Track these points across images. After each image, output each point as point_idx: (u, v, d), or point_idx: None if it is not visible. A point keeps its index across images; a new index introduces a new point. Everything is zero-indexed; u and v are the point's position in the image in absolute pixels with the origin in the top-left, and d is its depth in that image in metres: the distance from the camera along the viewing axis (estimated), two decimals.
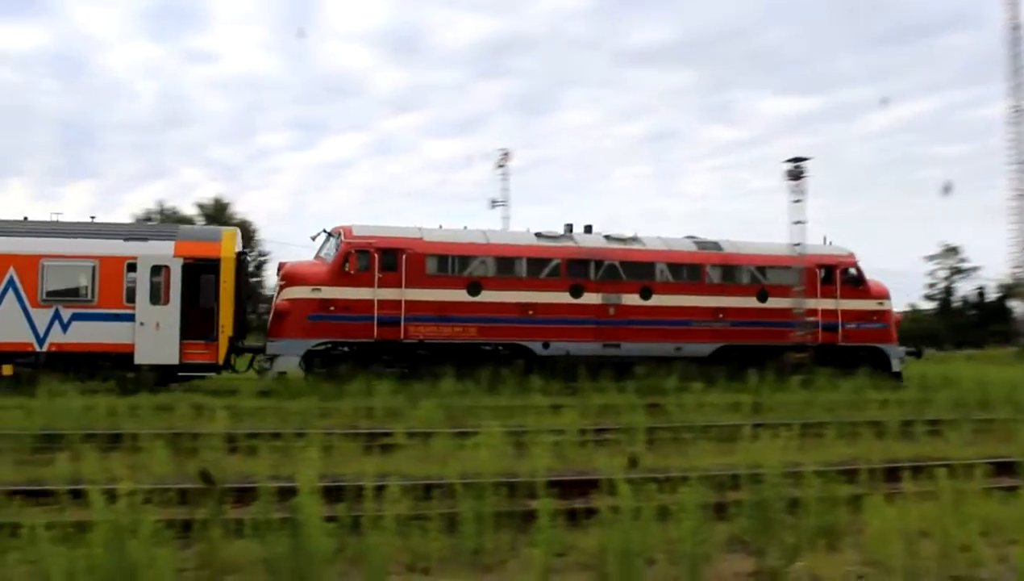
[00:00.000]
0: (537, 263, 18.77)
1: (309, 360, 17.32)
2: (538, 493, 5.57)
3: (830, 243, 21.74)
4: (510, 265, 18.68)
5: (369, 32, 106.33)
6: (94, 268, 16.48)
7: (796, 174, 20.64)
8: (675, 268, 19.60)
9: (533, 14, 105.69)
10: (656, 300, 19.21)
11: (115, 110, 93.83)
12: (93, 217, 18.20)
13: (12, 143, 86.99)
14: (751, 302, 19.81)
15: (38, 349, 16.16)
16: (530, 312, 18.46)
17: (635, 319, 18.99)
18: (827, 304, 20.16)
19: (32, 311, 16.15)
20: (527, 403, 12.89)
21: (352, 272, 17.58)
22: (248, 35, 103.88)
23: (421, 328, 17.80)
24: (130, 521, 4.36)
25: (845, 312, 20.26)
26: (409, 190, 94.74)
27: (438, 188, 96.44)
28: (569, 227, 20.26)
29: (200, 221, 42.18)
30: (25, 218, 17.77)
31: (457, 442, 8.66)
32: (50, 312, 16.22)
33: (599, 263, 19.08)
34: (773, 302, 19.91)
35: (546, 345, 18.46)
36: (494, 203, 39.68)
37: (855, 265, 20.80)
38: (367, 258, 17.72)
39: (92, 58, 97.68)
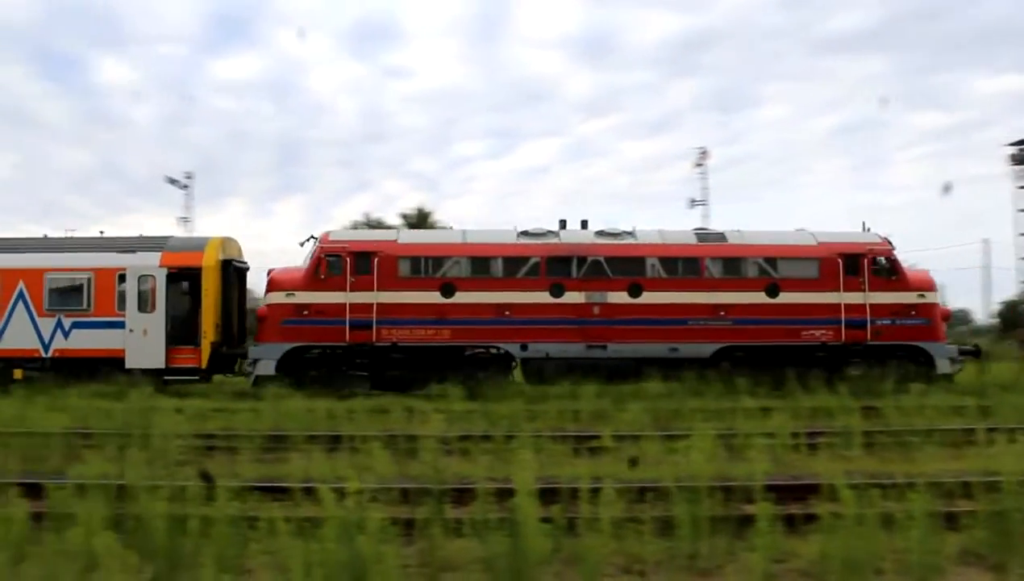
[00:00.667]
0: (514, 262, 18.04)
1: (289, 364, 17.86)
2: (755, 497, 5.56)
3: (868, 230, 19.28)
4: (486, 265, 18.09)
5: (560, 37, 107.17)
6: (89, 279, 17.91)
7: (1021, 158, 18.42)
8: (668, 262, 18.09)
9: (724, 8, 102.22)
10: (647, 298, 17.85)
11: (321, 128, 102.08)
12: (102, 232, 19.77)
13: (233, 165, 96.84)
14: (759, 297, 17.88)
15: (44, 355, 17.85)
16: (507, 313, 17.81)
17: (622, 318, 17.78)
18: (853, 298, 17.85)
19: (39, 320, 17.87)
20: (735, 405, 12.66)
21: (324, 277, 17.85)
22: (442, 49, 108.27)
23: (394, 331, 17.73)
24: (359, 518, 4.70)
25: (876, 306, 17.78)
26: (607, 192, 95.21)
27: (635, 189, 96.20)
28: (562, 223, 19.34)
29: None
30: (45, 237, 19.73)
31: (667, 445, 8.66)
32: (53, 321, 17.85)
33: (582, 260, 18.03)
34: (785, 297, 17.89)
35: (524, 347, 17.75)
36: (693, 202, 40.29)
37: (888, 254, 18.18)
38: (340, 262, 17.90)
39: (299, 81, 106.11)
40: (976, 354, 18.66)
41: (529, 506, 4.69)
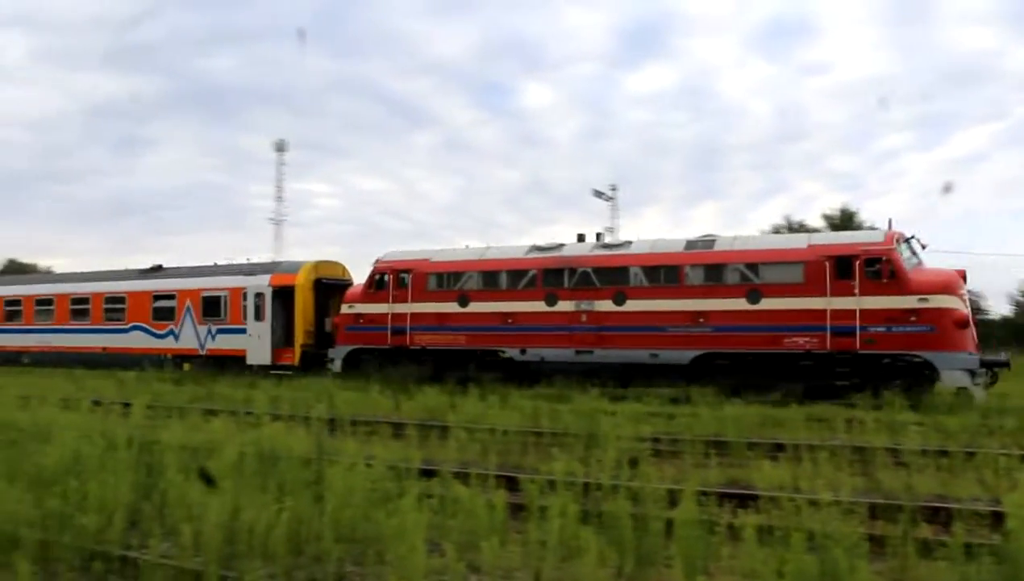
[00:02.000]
0: (516, 275, 20.04)
1: (353, 362, 22.02)
2: None
3: (890, 226, 17.53)
4: (494, 278, 20.37)
5: (994, 10, 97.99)
6: (226, 297, 24.00)
7: None
8: (650, 271, 18.57)
9: None
10: (629, 305, 18.60)
11: (735, 132, 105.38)
12: (230, 259, 25.94)
13: (650, 175, 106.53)
14: (739, 304, 17.52)
15: (201, 353, 24.38)
16: (509, 321, 19.92)
17: (607, 325, 18.77)
18: (842, 303, 16.60)
19: (198, 327, 24.41)
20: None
21: (374, 291, 21.68)
22: (860, 38, 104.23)
23: (423, 336, 20.92)
24: (829, 530, 4.81)
25: (868, 312, 16.33)
26: None
27: None
28: (580, 237, 20.75)
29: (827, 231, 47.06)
30: (199, 266, 26.59)
31: None
32: (206, 328, 24.28)
33: (572, 271, 19.36)
34: (767, 303, 17.29)
35: (523, 351, 19.70)
36: None
37: (884, 254, 16.48)
38: (385, 279, 21.60)
39: (711, 86, 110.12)
40: (1002, 366, 16.06)
41: None
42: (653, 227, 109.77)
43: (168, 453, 7.24)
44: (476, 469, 7.81)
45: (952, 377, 15.82)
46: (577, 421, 11.46)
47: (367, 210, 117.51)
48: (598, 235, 20.82)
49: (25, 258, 68.97)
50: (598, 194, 54.76)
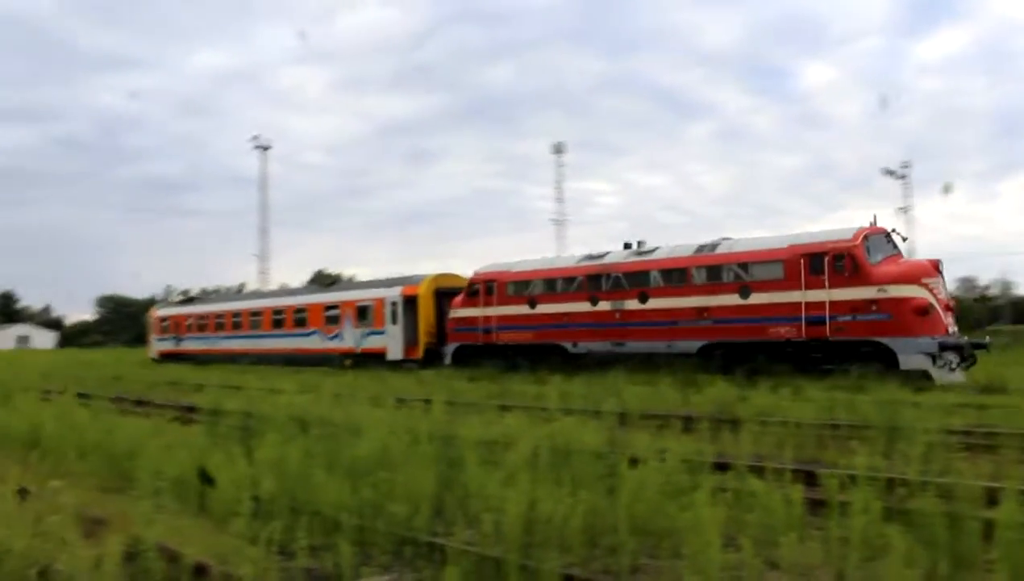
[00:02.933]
0: (568, 281, 23.97)
1: (459, 356, 27.14)
2: None
3: (874, 222, 19.11)
4: (553, 284, 24.43)
5: None
6: (371, 306, 30.27)
7: None
8: (666, 274, 21.66)
9: None
10: (651, 304, 21.80)
11: None
12: (396, 275, 32.05)
13: (945, 149, 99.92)
14: (733, 299, 20.09)
15: (357, 351, 30.91)
16: (564, 319, 23.90)
17: (635, 321, 22.11)
18: (814, 295, 18.62)
19: (354, 331, 30.97)
20: None
21: (469, 298, 26.66)
22: None
23: (504, 334, 25.54)
24: None
25: (835, 303, 18.28)
26: None
27: None
28: (627, 245, 24.14)
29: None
30: (353, 279, 32.97)
31: None
32: (359, 331, 30.76)
33: (608, 276, 22.90)
34: (755, 298, 19.67)
35: (575, 345, 23.59)
36: None
37: (848, 250, 18.23)
38: (477, 288, 26.50)
39: (1014, 45, 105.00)
40: (978, 347, 17.13)
41: None
42: (955, 207, 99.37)
43: (467, 447, 7.48)
44: (771, 463, 7.61)
45: (910, 361, 17.48)
46: (877, 412, 10.88)
47: (646, 206, 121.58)
48: (639, 243, 24.16)
49: (331, 269, 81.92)
50: (889, 173, 53.78)
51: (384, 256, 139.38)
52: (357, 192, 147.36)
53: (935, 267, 18.33)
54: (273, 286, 51.67)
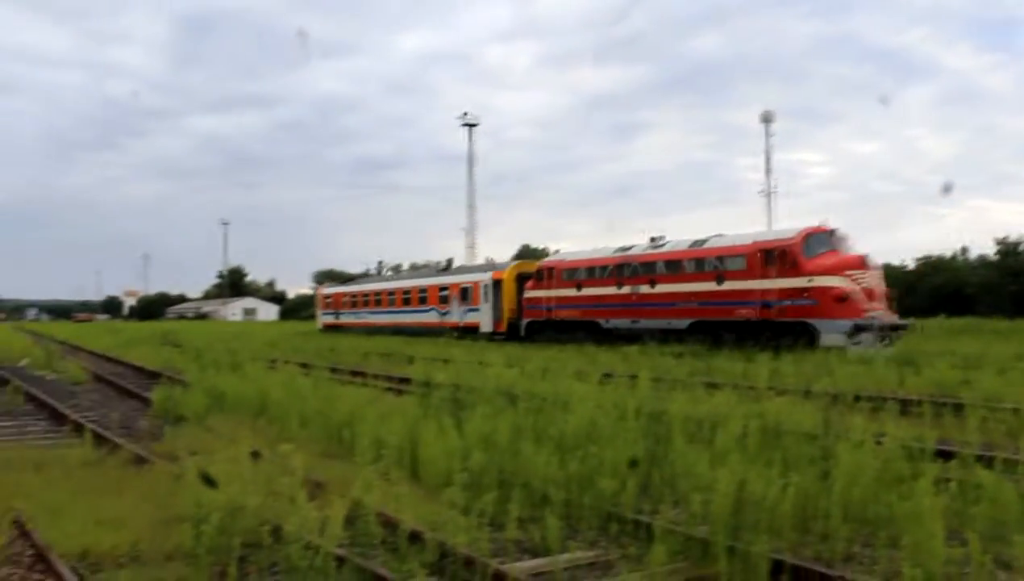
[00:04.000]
0: (603, 269, 29.40)
1: (531, 329, 33.36)
2: None
3: (823, 223, 23.14)
4: (593, 271, 29.95)
5: None
6: (471, 288, 37.13)
7: None
8: (669, 264, 26.57)
9: None
10: (658, 289, 26.82)
11: None
12: (489, 258, 38.56)
13: None
14: (712, 286, 24.71)
15: (460, 325, 37.92)
16: (599, 301, 29.42)
17: (647, 302, 27.22)
18: (767, 284, 22.95)
19: (459, 308, 38.02)
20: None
21: (538, 282, 32.77)
22: None
23: (560, 312, 31.44)
24: None
25: (780, 290, 22.58)
26: None
27: None
28: (651, 240, 29.14)
29: None
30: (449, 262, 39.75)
31: None
32: (462, 308, 37.75)
33: (629, 265, 28.10)
34: (727, 285, 24.19)
35: (607, 321, 29.06)
36: None
37: (787, 247, 22.41)
38: (542, 273, 32.54)
39: None
40: (894, 329, 21.05)
41: None
42: None
43: (674, 423, 7.43)
44: (1002, 453, 7.30)
45: (828, 338, 21.65)
46: None
47: (860, 175, 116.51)
48: (653, 238, 29.18)
49: (535, 243, 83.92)
50: None
51: (588, 230, 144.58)
52: (562, 166, 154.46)
53: (861, 261, 22.24)
54: (480, 260, 56.63)
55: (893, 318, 22.62)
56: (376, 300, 45.54)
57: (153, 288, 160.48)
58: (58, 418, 12.10)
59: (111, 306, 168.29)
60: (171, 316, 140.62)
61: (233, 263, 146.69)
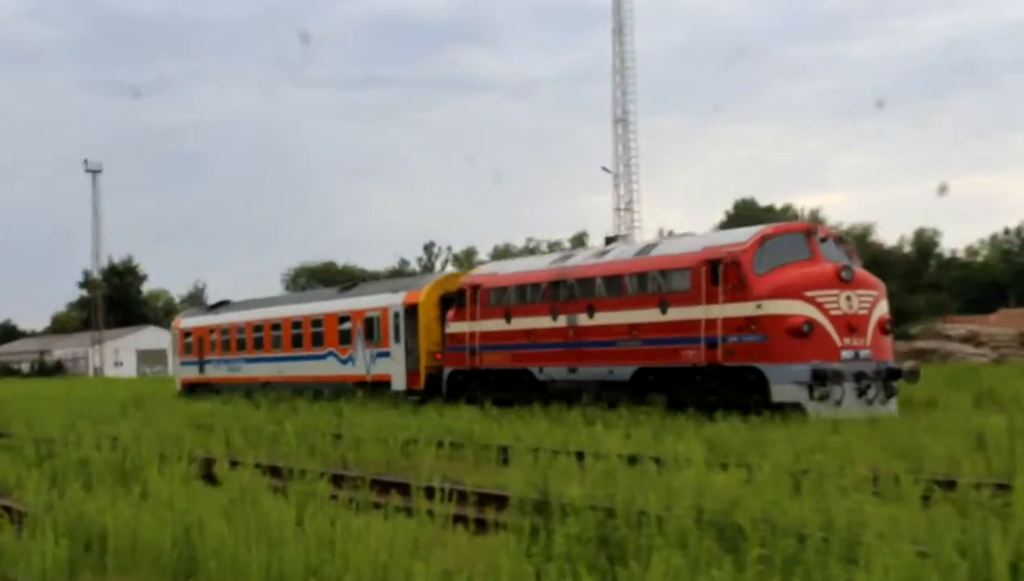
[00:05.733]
0: (534, 288, 34.85)
1: (453, 381, 39.46)
2: None
3: (798, 217, 28.48)
4: (523, 292, 35.58)
5: None
6: (376, 317, 43.34)
7: None
8: (609, 281, 31.50)
9: None
10: (597, 318, 31.64)
11: None
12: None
13: None
14: (655, 315, 29.88)
15: (367, 379, 44.34)
16: (531, 338, 35.17)
17: (585, 340, 31.90)
18: (714, 311, 27.76)
19: (366, 350, 44.47)
20: None
21: (458, 308, 38.79)
22: None
23: (485, 356, 36.93)
24: None
25: (726, 321, 27.53)
26: None
27: None
28: (608, 240, 35.04)
29: None
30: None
31: None
32: (371, 349, 44.06)
33: (565, 282, 33.38)
34: (672, 313, 29.35)
35: (540, 370, 34.69)
36: None
37: (736, 258, 27.33)
38: (464, 295, 38.45)
39: None
40: (891, 376, 26.29)
41: None
42: None
43: None
44: None
45: (778, 391, 26.32)
46: None
47: None
48: (608, 239, 35.05)
49: (772, 190, 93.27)
50: None
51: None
52: (828, 26, 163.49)
53: (836, 275, 27.25)
54: (645, 235, 62.98)
55: (888, 361, 27.60)
56: (255, 340, 52.23)
57: None
58: None
59: None
60: None
61: (115, 255, 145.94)
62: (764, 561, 8.19)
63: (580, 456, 17.27)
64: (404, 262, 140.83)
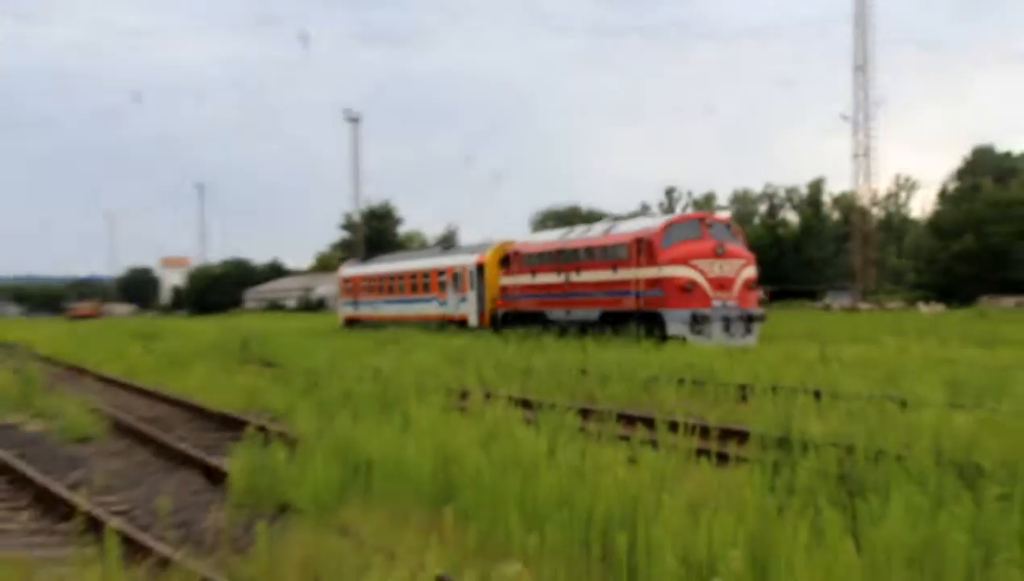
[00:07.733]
0: (549, 255, 46.03)
1: (504, 320, 51.06)
2: None
3: (700, 208, 39.44)
4: (543, 257, 46.74)
5: None
6: (460, 273, 54.75)
7: None
8: (589, 250, 42.65)
9: None
10: (582, 276, 42.75)
11: None
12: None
13: None
14: (611, 274, 40.96)
15: (455, 318, 56.12)
16: (546, 290, 46.51)
17: (575, 291, 43.00)
18: (640, 273, 38.83)
19: (455, 295, 56.29)
20: None
21: (505, 268, 50.30)
22: None
23: (521, 302, 48.11)
24: None
25: (643, 280, 38.28)
26: None
27: None
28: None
29: None
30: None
31: None
32: (457, 296, 55.79)
33: (565, 251, 44.70)
34: (620, 273, 40.13)
35: (550, 312, 45.95)
36: None
37: (651, 237, 38.17)
38: (509, 259, 49.73)
39: None
40: (750, 319, 36.86)
41: None
42: None
43: None
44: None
45: (672, 328, 36.99)
46: None
47: None
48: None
49: None
50: None
51: None
52: None
53: (713, 250, 38.10)
54: (880, 188, 67.78)
55: (749, 308, 38.31)
56: (388, 286, 64.73)
57: (219, 253, 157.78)
58: (52, 507, 11.65)
59: (137, 287, 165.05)
60: (254, 305, 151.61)
61: (374, 199, 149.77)
62: (1004, 499, 7.95)
63: (817, 395, 17.37)
64: (645, 206, 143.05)
